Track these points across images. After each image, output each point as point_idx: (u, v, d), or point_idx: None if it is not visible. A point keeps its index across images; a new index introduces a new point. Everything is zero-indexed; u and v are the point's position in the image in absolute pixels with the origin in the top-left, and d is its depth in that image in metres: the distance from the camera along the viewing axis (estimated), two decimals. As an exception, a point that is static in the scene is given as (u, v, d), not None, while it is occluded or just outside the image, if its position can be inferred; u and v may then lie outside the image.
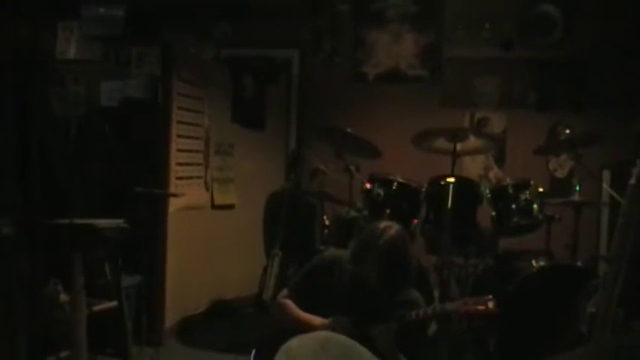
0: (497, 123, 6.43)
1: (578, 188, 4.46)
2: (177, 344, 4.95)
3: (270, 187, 6.23)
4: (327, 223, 4.91)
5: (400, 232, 3.00)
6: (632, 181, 2.76)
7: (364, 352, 1.25)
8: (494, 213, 4.43)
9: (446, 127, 4.31)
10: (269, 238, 6.03)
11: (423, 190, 4.42)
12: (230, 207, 5.82)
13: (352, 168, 4.70)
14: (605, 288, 2.65)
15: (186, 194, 4.91)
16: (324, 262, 3.16)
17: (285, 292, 3.16)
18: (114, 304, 3.41)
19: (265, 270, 5.17)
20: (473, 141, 4.34)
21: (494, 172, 6.35)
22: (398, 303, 2.99)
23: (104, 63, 5.11)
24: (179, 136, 4.94)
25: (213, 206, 5.55)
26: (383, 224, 3.02)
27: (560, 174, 6.24)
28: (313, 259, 3.23)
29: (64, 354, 3.30)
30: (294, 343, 1.22)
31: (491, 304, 2.87)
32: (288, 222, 5.43)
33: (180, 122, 4.95)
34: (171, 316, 4.97)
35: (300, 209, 5.67)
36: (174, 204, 4.83)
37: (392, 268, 2.91)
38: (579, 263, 4.26)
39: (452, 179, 4.08)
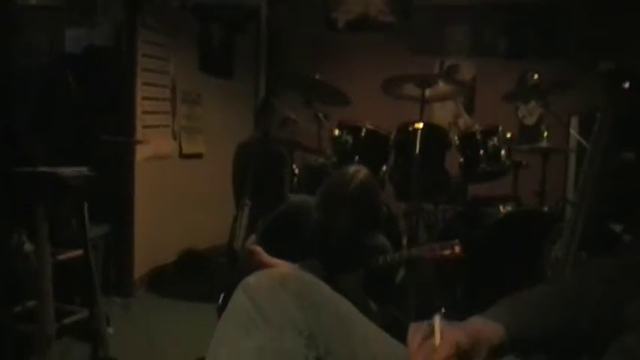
0: (466, 71, 6.42)
1: (545, 135, 4.47)
2: (148, 294, 4.95)
3: (238, 137, 6.15)
4: (296, 171, 4.89)
5: (369, 177, 2.97)
6: (597, 127, 2.77)
7: (324, 287, 1.24)
8: (462, 159, 4.43)
9: (415, 73, 4.26)
10: (238, 187, 6.00)
11: (392, 136, 4.40)
12: (198, 156, 5.78)
13: (321, 115, 4.66)
14: (567, 231, 2.67)
15: (151, 142, 4.85)
16: (290, 209, 3.14)
17: (252, 238, 3.14)
18: (79, 252, 3.37)
19: (235, 219, 5.16)
20: (442, 87, 4.31)
21: (464, 120, 6.35)
22: (366, 249, 2.98)
23: (68, 10, 4.98)
24: (145, 83, 4.86)
25: (182, 155, 5.50)
26: (351, 169, 2.99)
27: (529, 121, 6.27)
28: (280, 206, 3.21)
29: (30, 304, 3.28)
30: (252, 279, 1.21)
31: (457, 249, 2.87)
32: (257, 171, 5.40)
33: (145, 70, 4.87)
34: (140, 267, 4.96)
35: (270, 158, 5.63)
36: (141, 153, 4.78)
37: (360, 213, 2.89)
38: (546, 208, 4.30)
39: (420, 125, 4.06)
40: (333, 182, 2.99)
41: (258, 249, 3.00)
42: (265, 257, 2.94)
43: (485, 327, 1.28)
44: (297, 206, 3.12)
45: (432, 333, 1.22)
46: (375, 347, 1.25)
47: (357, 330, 1.25)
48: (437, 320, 1.23)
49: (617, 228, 3.70)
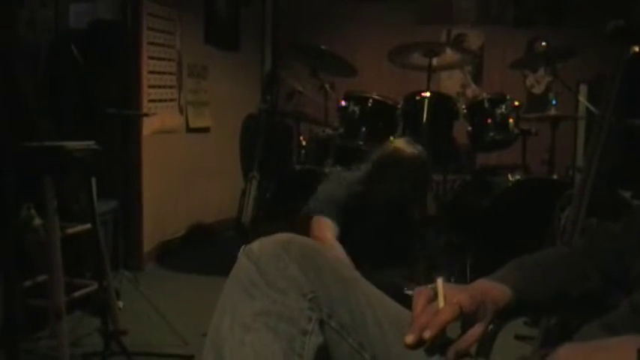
0: (474, 39, 6.36)
1: (554, 102, 4.44)
2: (157, 268, 4.97)
3: (245, 110, 6.18)
4: (303, 143, 4.88)
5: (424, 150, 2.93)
6: (605, 91, 2.74)
7: (327, 252, 1.24)
8: (470, 128, 4.41)
9: (422, 41, 4.24)
10: (246, 160, 6.00)
11: (399, 106, 4.37)
12: (205, 130, 5.77)
13: (327, 86, 4.64)
14: (576, 197, 2.66)
15: (157, 114, 4.84)
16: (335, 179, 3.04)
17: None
18: (88, 226, 3.37)
19: (244, 193, 5.16)
20: (449, 55, 4.29)
21: (472, 90, 6.31)
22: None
23: (72, -16, 4.97)
24: (150, 57, 4.84)
25: (189, 130, 5.49)
26: (405, 140, 2.94)
27: (537, 90, 6.23)
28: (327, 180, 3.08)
29: (41, 278, 3.29)
30: (255, 244, 1.21)
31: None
32: (264, 144, 5.40)
33: (151, 43, 4.84)
34: (149, 241, 4.97)
35: (277, 130, 5.63)
36: (148, 127, 4.77)
37: (417, 184, 2.84)
38: (555, 176, 4.28)
39: (427, 94, 4.04)
40: (388, 153, 2.91)
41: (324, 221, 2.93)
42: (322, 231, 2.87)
43: (491, 289, 1.27)
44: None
45: (436, 296, 1.21)
46: (379, 311, 1.25)
47: (360, 294, 1.24)
48: (439, 283, 1.22)
49: (627, 194, 3.68)
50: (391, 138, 2.95)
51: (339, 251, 2.73)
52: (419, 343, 1.15)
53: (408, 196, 2.83)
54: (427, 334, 1.14)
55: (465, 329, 1.22)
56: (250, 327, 1.14)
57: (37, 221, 3.31)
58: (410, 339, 1.15)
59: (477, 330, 1.22)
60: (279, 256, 1.19)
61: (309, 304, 1.17)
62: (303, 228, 3.00)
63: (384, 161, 2.91)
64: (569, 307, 1.37)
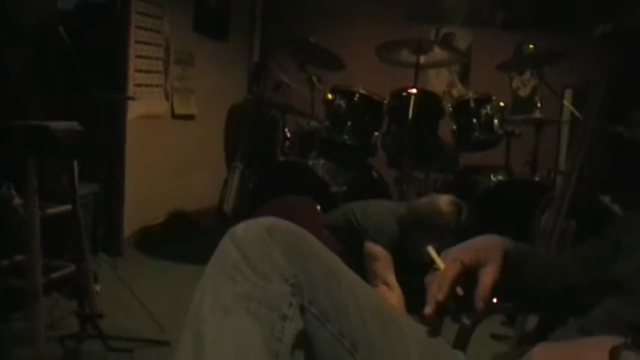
0: (462, 39, 6.37)
1: (538, 105, 4.47)
2: (136, 254, 4.94)
3: (231, 99, 6.16)
4: (288, 135, 4.88)
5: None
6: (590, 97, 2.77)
7: (311, 238, 1.24)
8: (455, 127, 4.43)
9: (410, 38, 4.24)
10: (230, 150, 6.00)
11: (386, 102, 4.38)
12: (190, 117, 5.74)
13: (315, 79, 4.64)
14: (557, 200, 2.68)
15: (142, 99, 4.81)
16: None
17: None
18: (68, 207, 3.35)
19: (226, 182, 5.16)
20: (437, 53, 4.31)
21: (458, 89, 6.33)
22: None
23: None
24: (138, 42, 4.80)
25: (174, 116, 5.46)
26: (451, 200, 3.07)
27: (523, 92, 6.25)
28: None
29: (18, 258, 3.27)
30: (239, 228, 1.21)
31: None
32: (249, 134, 5.40)
33: (139, 27, 4.81)
34: (129, 226, 4.95)
35: (262, 121, 5.63)
36: (133, 111, 4.74)
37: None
38: (537, 179, 4.31)
39: (414, 91, 4.05)
40: (430, 208, 3.13)
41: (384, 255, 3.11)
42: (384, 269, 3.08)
43: (491, 238, 1.28)
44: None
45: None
46: (361, 300, 1.25)
47: (342, 281, 1.25)
48: (431, 250, 1.24)
49: (606, 199, 3.71)
50: (437, 195, 3.13)
51: (397, 294, 2.91)
52: (438, 312, 1.17)
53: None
54: (440, 296, 1.15)
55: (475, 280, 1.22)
56: (230, 310, 1.14)
57: (17, 201, 3.29)
58: (428, 309, 1.17)
59: (489, 271, 1.22)
60: (262, 240, 1.19)
61: (291, 289, 1.17)
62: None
63: (418, 213, 3.03)
64: (547, 302, 1.38)
